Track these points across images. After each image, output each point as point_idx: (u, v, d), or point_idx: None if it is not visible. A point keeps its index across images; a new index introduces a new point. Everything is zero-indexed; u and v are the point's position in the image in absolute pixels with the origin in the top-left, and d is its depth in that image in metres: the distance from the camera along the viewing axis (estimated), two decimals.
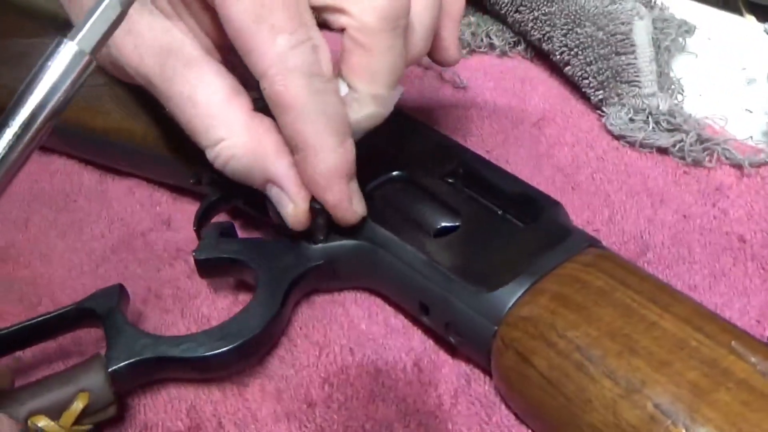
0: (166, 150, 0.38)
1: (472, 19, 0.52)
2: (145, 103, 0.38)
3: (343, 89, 0.31)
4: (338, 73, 0.31)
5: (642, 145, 0.42)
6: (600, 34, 0.44)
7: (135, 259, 0.38)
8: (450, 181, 0.36)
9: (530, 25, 0.48)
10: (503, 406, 0.31)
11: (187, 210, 0.40)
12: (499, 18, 0.51)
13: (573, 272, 0.30)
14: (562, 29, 0.45)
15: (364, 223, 0.33)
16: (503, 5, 0.49)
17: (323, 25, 0.31)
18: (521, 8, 0.48)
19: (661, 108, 0.42)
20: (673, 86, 0.45)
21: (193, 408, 0.31)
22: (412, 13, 0.32)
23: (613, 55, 0.43)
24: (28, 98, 0.24)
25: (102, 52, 0.24)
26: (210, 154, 0.32)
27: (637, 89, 0.43)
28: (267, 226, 0.37)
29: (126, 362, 0.30)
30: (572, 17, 0.45)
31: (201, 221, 0.36)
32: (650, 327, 0.27)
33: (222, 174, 0.32)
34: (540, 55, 0.49)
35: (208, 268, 0.35)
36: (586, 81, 0.44)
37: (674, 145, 0.41)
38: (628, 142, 0.42)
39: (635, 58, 0.43)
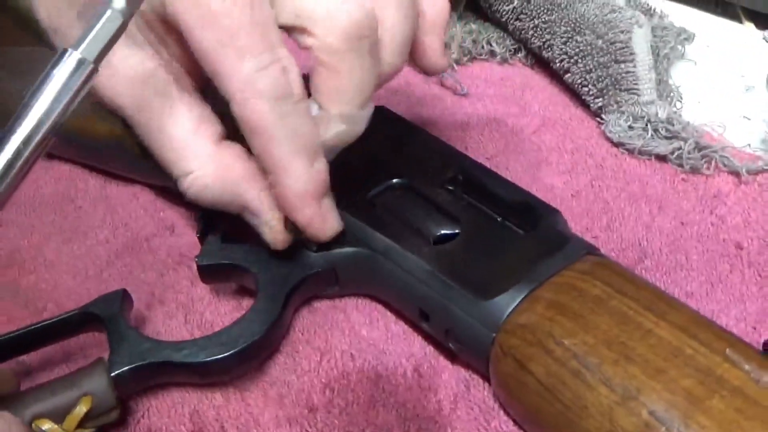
0: None
1: (474, 26, 0.52)
2: None
3: (314, 109, 0.31)
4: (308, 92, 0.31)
5: (641, 153, 0.42)
6: (599, 42, 0.44)
7: (139, 265, 0.38)
8: (450, 188, 0.36)
9: (531, 32, 0.48)
10: (502, 412, 0.31)
11: (190, 216, 0.40)
12: (500, 25, 0.51)
13: (570, 280, 0.30)
14: (562, 37, 0.46)
15: (364, 230, 0.34)
16: (504, 13, 0.49)
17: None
18: (522, 16, 0.48)
19: (659, 115, 0.43)
20: (671, 94, 0.45)
21: (196, 412, 0.32)
22: (385, 28, 0.31)
23: (613, 63, 0.44)
24: (33, 106, 0.24)
25: None
26: (182, 185, 0.32)
27: (636, 97, 0.43)
28: None
29: (128, 367, 0.30)
30: (572, 25, 0.45)
31: (204, 227, 0.37)
32: (646, 335, 0.27)
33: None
34: (540, 62, 0.50)
35: (210, 273, 0.35)
36: (586, 88, 0.45)
37: (672, 153, 0.42)
38: (627, 149, 0.43)
39: (634, 66, 0.43)
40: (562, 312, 0.29)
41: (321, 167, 0.31)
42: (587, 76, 0.45)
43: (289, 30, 0.30)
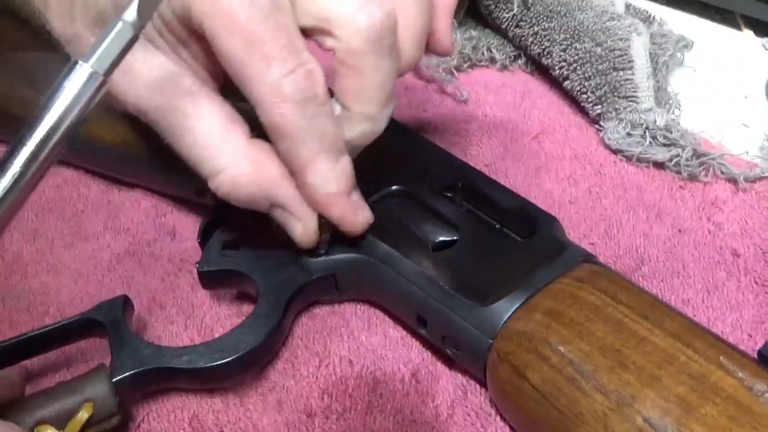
0: (170, 162, 0.39)
1: (474, 33, 0.52)
2: None
3: (337, 109, 0.31)
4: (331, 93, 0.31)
5: (639, 160, 0.43)
6: (598, 49, 0.44)
7: (140, 270, 0.39)
8: (449, 195, 0.37)
9: (530, 39, 0.48)
10: (498, 418, 0.31)
11: (191, 221, 0.41)
12: (500, 32, 0.52)
13: (567, 288, 0.30)
14: (561, 44, 0.46)
15: (364, 237, 0.34)
16: (504, 20, 0.50)
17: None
18: (521, 23, 0.49)
19: (658, 123, 0.43)
20: (670, 101, 0.46)
21: (196, 417, 0.32)
22: (403, 24, 0.31)
23: (611, 70, 0.44)
24: (44, 117, 0.24)
25: None
26: (212, 184, 0.32)
27: (634, 104, 0.44)
28: (269, 239, 0.38)
29: (130, 372, 0.31)
30: (571, 33, 0.46)
31: (204, 233, 0.37)
32: (641, 342, 0.27)
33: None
34: (540, 69, 0.50)
35: (210, 279, 0.35)
36: (585, 96, 0.45)
37: (671, 160, 0.42)
38: (625, 157, 0.43)
39: (633, 74, 0.44)
40: (558, 319, 0.29)
41: (346, 164, 0.32)
42: (586, 84, 0.45)
43: (309, 32, 0.31)
